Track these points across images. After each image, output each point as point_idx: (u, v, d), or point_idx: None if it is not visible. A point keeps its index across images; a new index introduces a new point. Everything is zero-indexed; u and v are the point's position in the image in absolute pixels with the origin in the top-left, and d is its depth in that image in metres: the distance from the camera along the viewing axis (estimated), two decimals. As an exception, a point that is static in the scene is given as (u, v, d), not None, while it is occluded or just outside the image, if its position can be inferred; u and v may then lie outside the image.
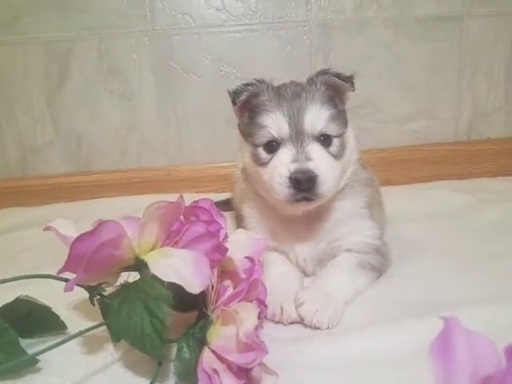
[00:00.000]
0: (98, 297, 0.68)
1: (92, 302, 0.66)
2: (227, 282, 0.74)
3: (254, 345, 0.54)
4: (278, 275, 0.90)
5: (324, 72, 0.91)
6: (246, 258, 0.70)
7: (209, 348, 0.61)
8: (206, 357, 0.58)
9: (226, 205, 1.35)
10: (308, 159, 0.82)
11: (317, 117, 0.85)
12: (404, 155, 1.57)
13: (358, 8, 1.46)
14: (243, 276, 0.66)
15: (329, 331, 0.77)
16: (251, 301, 0.67)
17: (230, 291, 0.70)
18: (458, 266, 0.98)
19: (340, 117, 0.90)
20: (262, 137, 0.86)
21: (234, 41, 1.47)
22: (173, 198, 1.61)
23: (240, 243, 0.81)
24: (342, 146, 0.89)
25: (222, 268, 0.75)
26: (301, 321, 0.80)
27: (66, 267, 0.58)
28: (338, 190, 0.91)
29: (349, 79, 0.90)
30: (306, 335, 0.77)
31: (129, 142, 1.52)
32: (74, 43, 1.43)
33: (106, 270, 0.64)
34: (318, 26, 1.47)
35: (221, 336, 0.59)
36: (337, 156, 0.87)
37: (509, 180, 1.51)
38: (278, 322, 0.80)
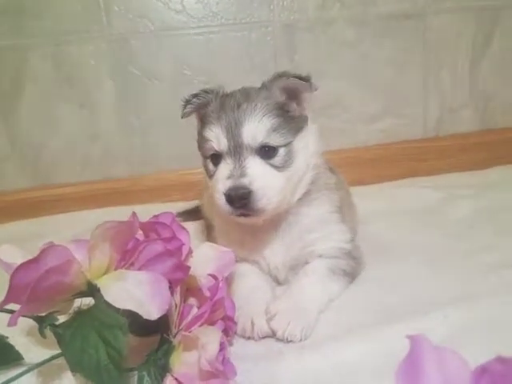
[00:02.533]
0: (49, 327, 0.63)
1: (42, 334, 0.61)
2: (192, 301, 0.70)
3: (217, 372, 0.51)
4: (249, 288, 0.87)
5: (279, 75, 0.87)
6: (210, 275, 0.66)
7: (172, 376, 0.57)
8: None
9: (195, 213, 1.32)
10: (243, 175, 0.80)
11: (256, 129, 0.82)
12: (373, 154, 1.55)
13: (320, 7, 1.44)
14: (207, 295, 0.62)
15: (301, 344, 0.75)
16: (217, 320, 0.64)
17: (194, 311, 0.66)
18: (430, 266, 0.97)
19: (288, 125, 0.85)
20: (208, 150, 0.87)
21: (196, 44, 1.42)
22: (139, 209, 1.56)
23: (206, 258, 0.78)
24: (290, 156, 0.85)
25: (187, 286, 0.71)
26: (273, 335, 0.76)
27: (8, 299, 0.53)
28: (293, 199, 0.88)
29: (306, 79, 0.86)
30: (277, 350, 0.74)
31: (90, 153, 1.46)
32: (27, 51, 1.36)
33: (56, 299, 0.59)
34: (282, 27, 1.44)
35: (183, 363, 0.55)
36: (282, 167, 0.84)
37: (476, 174, 1.51)
38: (248, 338, 0.77)
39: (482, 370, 0.34)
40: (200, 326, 0.59)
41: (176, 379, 0.55)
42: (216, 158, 0.85)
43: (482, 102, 1.60)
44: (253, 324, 0.77)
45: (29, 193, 1.43)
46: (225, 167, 0.82)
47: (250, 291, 0.86)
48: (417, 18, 1.48)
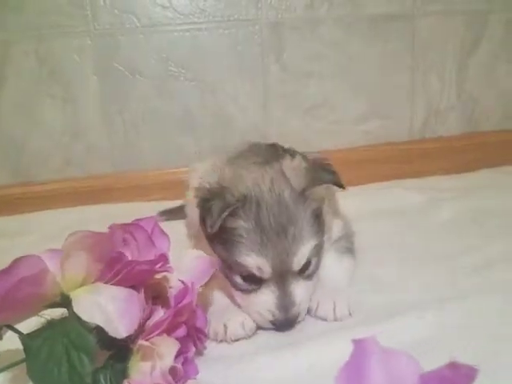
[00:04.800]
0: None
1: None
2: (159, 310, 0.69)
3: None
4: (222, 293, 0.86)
5: (317, 181, 0.78)
6: (180, 280, 0.66)
7: (128, 382, 0.56)
8: None
9: (178, 212, 1.30)
10: (293, 304, 0.76)
11: (304, 254, 0.76)
12: (359, 156, 1.55)
13: (309, 7, 1.42)
14: (171, 303, 0.62)
15: (277, 344, 0.75)
16: (180, 326, 0.62)
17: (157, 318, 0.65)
18: (410, 267, 0.98)
19: (322, 233, 0.81)
20: (241, 270, 0.77)
21: (182, 40, 1.40)
22: (122, 207, 1.54)
23: (184, 265, 0.77)
24: (319, 260, 0.83)
25: (157, 293, 0.70)
26: (247, 337, 0.77)
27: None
28: None
29: (343, 186, 0.80)
30: (252, 351, 0.73)
31: (73, 149, 1.44)
32: (9, 46, 1.33)
33: (28, 309, 0.58)
34: (269, 25, 1.42)
35: (138, 370, 0.55)
36: (313, 274, 0.81)
37: (461, 177, 1.52)
38: (221, 341, 0.76)
39: (431, 375, 0.34)
40: (160, 333, 0.58)
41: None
42: (252, 278, 0.77)
43: (469, 104, 1.61)
44: (225, 327, 0.76)
45: (10, 189, 1.41)
46: (269, 294, 0.76)
47: (223, 296, 0.85)
48: (405, 19, 1.48)
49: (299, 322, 0.79)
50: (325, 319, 0.79)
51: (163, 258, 0.68)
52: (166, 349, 0.55)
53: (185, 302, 0.62)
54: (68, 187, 1.44)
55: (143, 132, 1.45)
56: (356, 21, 1.45)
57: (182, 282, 0.66)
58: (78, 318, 0.57)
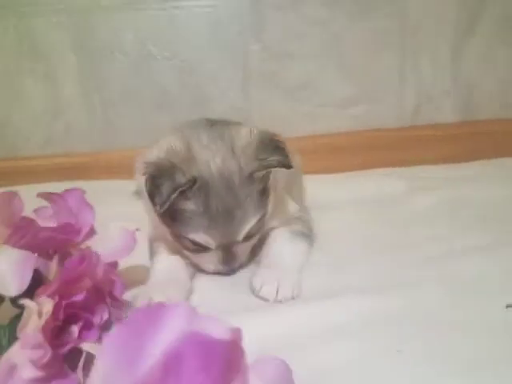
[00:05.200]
0: None
1: None
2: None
3: (38, 343, 0.51)
4: (162, 267, 0.86)
5: (264, 164, 0.78)
6: (85, 249, 0.65)
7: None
8: (13, 348, 0.53)
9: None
10: (235, 260, 0.85)
11: (248, 230, 0.83)
12: (344, 141, 1.49)
13: (290, -17, 1.37)
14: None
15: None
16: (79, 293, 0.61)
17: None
18: (366, 254, 0.95)
19: (266, 207, 0.85)
20: (188, 241, 0.82)
21: (160, 18, 1.38)
22: (100, 185, 1.54)
23: (109, 238, 0.77)
24: (262, 227, 0.88)
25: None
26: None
27: None
28: None
29: (290, 161, 0.79)
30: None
31: (53, 127, 1.45)
32: (-11, 23, 1.36)
33: None
34: (250, 3, 1.38)
35: (19, 328, 0.55)
36: (256, 235, 0.88)
37: (451, 168, 1.43)
38: None
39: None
40: (51, 296, 0.57)
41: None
42: (200, 245, 0.83)
43: (465, 90, 1.51)
44: (150, 302, 0.75)
45: (-6, 162, 1.44)
46: (214, 256, 0.84)
47: (162, 270, 0.86)
48: (394, -2, 1.40)
49: (241, 267, 0.89)
50: (267, 300, 0.78)
51: (71, 227, 0.68)
52: (44, 309, 0.55)
53: (80, 267, 0.61)
54: (49, 164, 1.46)
55: (121, 111, 1.44)
56: (341, -1, 1.38)
57: (83, 249, 0.65)
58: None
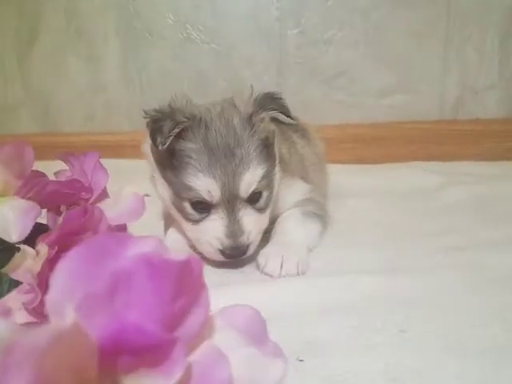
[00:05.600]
0: None
1: None
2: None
3: (29, 287, 0.52)
4: (175, 239, 0.86)
5: (264, 107, 0.77)
6: (83, 203, 0.67)
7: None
8: (10, 294, 0.56)
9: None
10: (241, 232, 0.77)
11: (252, 180, 0.76)
12: (381, 132, 1.46)
13: (332, -31, 1.36)
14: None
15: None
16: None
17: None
18: (389, 240, 0.92)
19: (272, 163, 0.80)
20: (190, 195, 0.76)
21: (201, 3, 1.41)
22: (134, 164, 1.59)
23: (120, 200, 0.79)
24: (271, 193, 0.82)
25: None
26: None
27: None
28: None
29: (293, 117, 0.78)
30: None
31: (94, 104, 1.51)
32: (41, 4, 1.43)
33: None
34: (290, -12, 1.38)
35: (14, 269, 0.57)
36: (265, 208, 0.81)
37: (492, 165, 1.36)
38: None
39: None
40: (49, 246, 0.59)
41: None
42: (201, 205, 0.77)
43: (512, 85, 1.43)
44: None
45: (37, 137, 1.51)
46: (218, 221, 0.76)
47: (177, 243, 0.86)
48: (442, -15, 1.35)
49: (248, 254, 0.78)
50: (271, 276, 0.76)
51: (76, 183, 0.70)
52: (41, 253, 0.56)
53: (81, 220, 0.63)
54: (88, 140, 1.52)
55: (159, 92, 1.48)
56: (383, -15, 1.35)
57: (86, 204, 0.67)
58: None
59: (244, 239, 0.77)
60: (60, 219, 0.70)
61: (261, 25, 1.41)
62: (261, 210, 0.80)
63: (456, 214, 1.05)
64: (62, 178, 0.76)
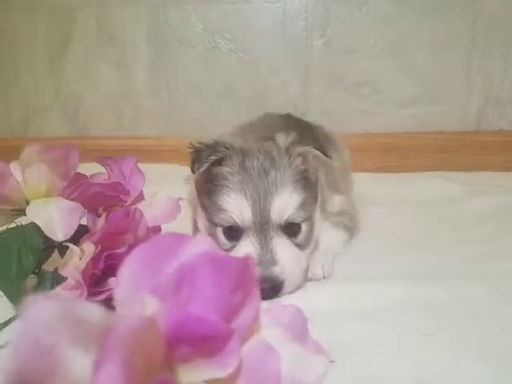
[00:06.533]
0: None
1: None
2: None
3: (76, 284, 0.55)
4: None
5: (301, 143, 0.78)
6: (124, 204, 0.70)
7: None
8: (54, 291, 0.59)
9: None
10: (273, 262, 0.71)
11: (286, 203, 0.73)
12: (404, 142, 1.47)
13: (358, -19, 1.39)
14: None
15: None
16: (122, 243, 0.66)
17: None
18: (414, 248, 0.93)
19: (311, 196, 0.78)
20: (222, 220, 0.75)
21: (229, 12, 1.45)
22: (161, 168, 1.63)
23: (155, 203, 0.82)
24: (311, 231, 0.78)
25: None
26: None
27: None
28: None
29: (329, 155, 0.78)
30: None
31: (123, 110, 1.55)
32: (75, 11, 1.48)
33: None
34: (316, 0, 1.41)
35: (62, 266, 0.60)
36: (304, 245, 0.77)
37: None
38: None
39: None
40: (95, 244, 0.62)
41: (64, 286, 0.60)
42: (232, 231, 0.75)
43: (538, 96, 1.44)
44: None
45: (67, 140, 1.55)
46: (249, 248, 0.72)
47: None
48: (467, -4, 1.37)
49: (284, 293, 0.71)
50: None
51: (118, 185, 0.73)
52: (87, 252, 0.60)
53: (123, 221, 0.66)
54: (117, 144, 1.55)
55: (186, 99, 1.52)
56: (409, -4, 1.38)
57: (127, 206, 0.70)
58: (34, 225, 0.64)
59: (277, 270, 0.70)
60: (100, 220, 0.73)
61: (287, 35, 1.44)
62: (300, 247, 0.76)
63: (480, 224, 1.06)
64: (100, 181, 0.79)
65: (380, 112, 1.48)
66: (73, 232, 0.63)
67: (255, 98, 1.49)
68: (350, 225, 0.95)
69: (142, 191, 0.81)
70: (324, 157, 0.77)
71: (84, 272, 0.58)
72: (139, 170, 0.81)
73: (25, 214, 0.70)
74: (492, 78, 1.43)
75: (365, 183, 1.24)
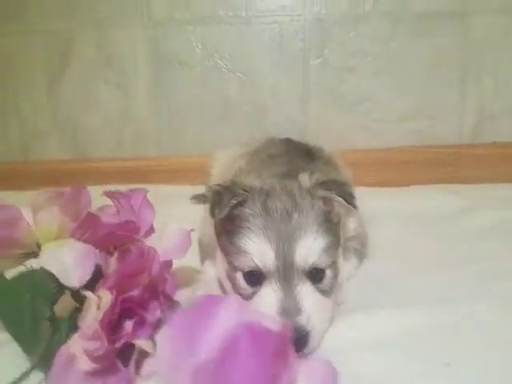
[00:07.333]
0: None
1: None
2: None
3: (95, 335, 0.55)
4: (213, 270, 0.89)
5: (325, 187, 0.75)
6: (140, 244, 0.70)
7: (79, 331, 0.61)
8: (72, 340, 0.58)
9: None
10: (298, 311, 0.66)
11: (310, 249, 0.70)
12: (403, 156, 1.50)
13: (354, 2, 1.41)
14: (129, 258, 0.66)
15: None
16: (136, 287, 0.66)
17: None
18: (414, 269, 0.95)
19: (335, 239, 0.75)
20: (243, 263, 0.72)
21: (228, 33, 1.46)
22: (163, 189, 1.63)
23: (166, 237, 0.82)
24: (335, 277, 0.75)
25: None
26: None
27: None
28: None
29: (354, 204, 0.74)
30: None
31: (123, 131, 1.56)
32: (74, 33, 1.49)
33: (5, 250, 0.66)
34: (313, 21, 1.43)
35: (81, 319, 0.60)
36: (328, 291, 0.73)
37: (509, 187, 1.39)
38: None
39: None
40: (109, 289, 0.62)
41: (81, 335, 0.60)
42: (253, 275, 0.71)
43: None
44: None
45: (66, 164, 1.57)
46: (271, 295, 0.68)
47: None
48: (458, 17, 1.40)
49: (310, 347, 0.66)
50: None
51: (129, 224, 0.73)
52: (103, 300, 0.59)
53: (139, 262, 0.67)
54: (117, 166, 1.57)
55: (186, 119, 1.54)
56: (403, 17, 1.40)
57: (142, 245, 0.71)
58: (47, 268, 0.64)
59: (302, 320, 0.66)
60: (112, 259, 0.73)
61: (285, 55, 1.46)
62: (324, 293, 0.72)
63: (485, 239, 1.08)
64: (106, 215, 0.78)
65: (377, 128, 1.50)
66: (88, 277, 0.63)
67: (254, 117, 1.51)
68: (360, 248, 0.95)
69: (152, 225, 0.82)
70: (347, 205, 0.74)
71: (102, 321, 0.57)
72: (149, 204, 0.81)
73: (35, 257, 0.71)
74: (485, 94, 1.47)
75: (364, 198, 1.25)
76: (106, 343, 0.56)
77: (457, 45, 1.42)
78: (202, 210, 0.97)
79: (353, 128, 1.50)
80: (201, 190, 1.40)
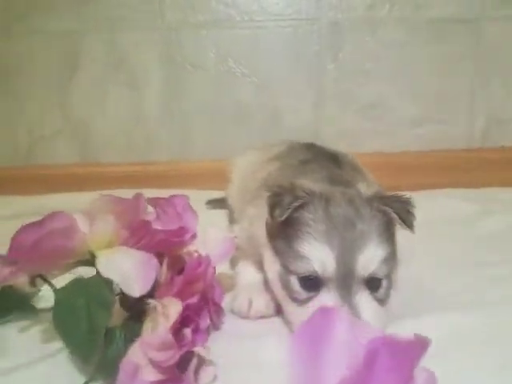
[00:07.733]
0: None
1: (32, 284, 0.67)
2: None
3: (167, 344, 0.54)
4: (250, 272, 0.89)
5: (386, 201, 0.73)
6: (195, 251, 0.70)
7: (140, 341, 0.60)
8: (133, 350, 0.57)
9: (223, 202, 1.35)
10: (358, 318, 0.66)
11: (372, 258, 0.69)
12: (414, 160, 1.52)
13: (369, 7, 1.42)
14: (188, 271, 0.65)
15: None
16: (194, 294, 0.66)
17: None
18: (437, 273, 0.95)
19: (393, 251, 0.74)
20: (300, 267, 0.70)
21: (242, 37, 1.46)
22: (175, 193, 1.61)
23: (209, 242, 0.81)
24: (390, 288, 0.74)
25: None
26: (269, 316, 0.78)
27: (9, 256, 0.59)
28: None
29: (411, 217, 0.73)
30: (267, 333, 0.74)
31: (134, 135, 1.54)
32: (83, 36, 1.46)
33: (59, 260, 0.65)
34: (329, 25, 1.44)
35: (146, 329, 0.58)
36: (383, 300, 0.72)
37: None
38: (244, 317, 0.78)
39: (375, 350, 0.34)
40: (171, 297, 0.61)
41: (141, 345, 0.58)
42: (309, 280, 0.70)
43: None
44: (251, 303, 0.78)
45: (76, 168, 1.54)
46: (331, 301, 0.67)
47: (252, 274, 0.88)
48: (471, 23, 1.43)
49: None
50: None
51: (184, 231, 0.72)
52: (172, 309, 0.58)
53: (197, 270, 0.66)
54: (127, 170, 1.54)
55: (199, 123, 1.52)
56: (418, 23, 1.43)
57: (198, 253, 0.70)
58: (102, 276, 0.62)
59: None
60: (163, 267, 0.71)
61: (300, 59, 1.46)
62: (380, 302, 0.71)
63: (498, 243, 1.09)
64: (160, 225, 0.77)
65: (389, 132, 1.52)
66: (151, 285, 0.61)
67: (268, 122, 1.50)
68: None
69: (196, 231, 0.81)
70: (404, 225, 0.72)
71: (173, 331, 0.56)
72: (191, 209, 0.80)
73: (86, 265, 0.70)
74: (494, 100, 1.50)
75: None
76: (178, 354, 0.55)
77: (469, 51, 1.45)
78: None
79: (366, 132, 1.51)
80: (215, 195, 1.43)
